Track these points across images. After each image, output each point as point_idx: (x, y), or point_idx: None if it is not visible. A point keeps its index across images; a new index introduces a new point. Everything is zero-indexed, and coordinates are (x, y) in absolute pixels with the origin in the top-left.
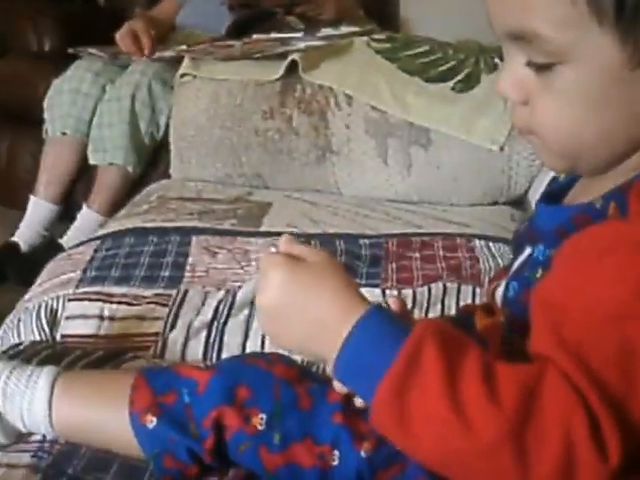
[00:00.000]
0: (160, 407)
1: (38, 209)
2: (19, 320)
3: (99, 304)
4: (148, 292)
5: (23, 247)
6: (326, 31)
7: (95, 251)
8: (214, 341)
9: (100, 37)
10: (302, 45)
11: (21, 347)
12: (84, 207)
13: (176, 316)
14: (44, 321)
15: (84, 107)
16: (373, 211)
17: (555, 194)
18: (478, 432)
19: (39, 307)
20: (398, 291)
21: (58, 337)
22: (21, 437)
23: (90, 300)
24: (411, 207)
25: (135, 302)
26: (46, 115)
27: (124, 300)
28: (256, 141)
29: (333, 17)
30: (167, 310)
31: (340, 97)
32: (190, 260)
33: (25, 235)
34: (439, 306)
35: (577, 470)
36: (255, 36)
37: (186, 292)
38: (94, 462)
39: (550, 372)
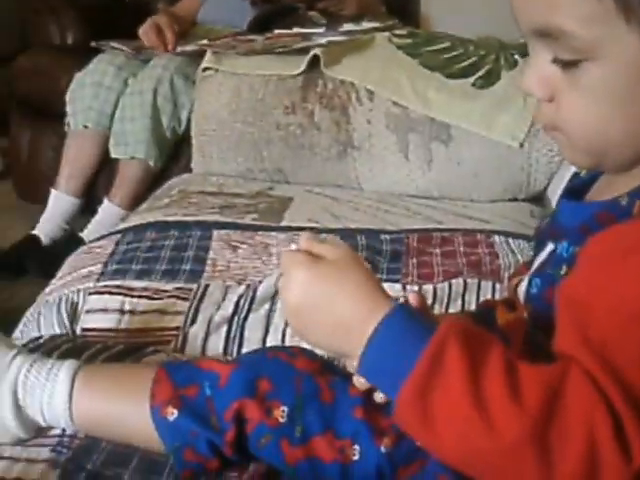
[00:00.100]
0: (181, 400)
1: (59, 202)
2: (39, 313)
3: (120, 298)
4: (169, 286)
5: (44, 240)
6: (348, 26)
7: (116, 245)
8: (235, 336)
9: (123, 32)
10: (324, 40)
11: (41, 341)
12: (105, 201)
13: (197, 310)
14: (64, 315)
15: (106, 100)
16: (394, 206)
17: (577, 190)
18: (501, 431)
19: (59, 300)
20: (419, 287)
21: (78, 331)
22: (40, 431)
23: (111, 294)
24: (432, 203)
25: (156, 296)
26: (68, 108)
27: (145, 294)
28: (277, 136)
29: (355, 13)
30: (188, 304)
31: (361, 92)
32: (211, 254)
33: (46, 228)
34: (459, 302)
35: (600, 470)
36: (277, 31)
37: (207, 286)
38: (113, 457)
39: (574, 371)
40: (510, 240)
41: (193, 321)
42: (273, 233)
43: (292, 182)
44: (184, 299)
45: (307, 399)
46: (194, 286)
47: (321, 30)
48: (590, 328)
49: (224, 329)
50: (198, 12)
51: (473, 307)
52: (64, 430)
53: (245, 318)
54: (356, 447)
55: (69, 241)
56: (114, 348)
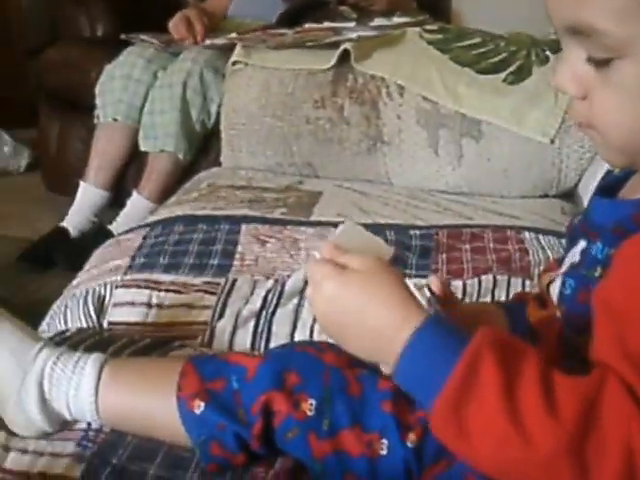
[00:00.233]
0: (208, 393)
1: (88, 195)
2: (66, 306)
3: (147, 291)
4: (197, 280)
5: (72, 233)
6: (379, 21)
7: (144, 238)
8: (262, 330)
9: (152, 24)
10: (354, 35)
11: (68, 334)
12: (134, 193)
13: (224, 305)
14: (91, 308)
15: (135, 93)
16: (424, 202)
17: (610, 187)
18: (537, 445)
19: (86, 294)
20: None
21: (105, 324)
22: (65, 425)
23: (138, 287)
24: (461, 198)
25: (183, 290)
26: (97, 101)
27: (172, 288)
28: (307, 130)
29: (385, 8)
30: (215, 298)
31: (392, 87)
32: (239, 248)
33: (74, 221)
34: (489, 298)
35: None
36: (307, 25)
37: (235, 281)
38: (139, 451)
39: (611, 383)
40: (540, 236)
41: (221, 315)
42: (302, 228)
43: (321, 176)
44: (212, 293)
45: (335, 392)
46: (222, 280)
47: (352, 25)
48: (629, 338)
49: (252, 324)
50: (228, 8)
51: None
52: (89, 424)
53: (273, 313)
54: (384, 441)
55: (97, 234)
56: (141, 342)
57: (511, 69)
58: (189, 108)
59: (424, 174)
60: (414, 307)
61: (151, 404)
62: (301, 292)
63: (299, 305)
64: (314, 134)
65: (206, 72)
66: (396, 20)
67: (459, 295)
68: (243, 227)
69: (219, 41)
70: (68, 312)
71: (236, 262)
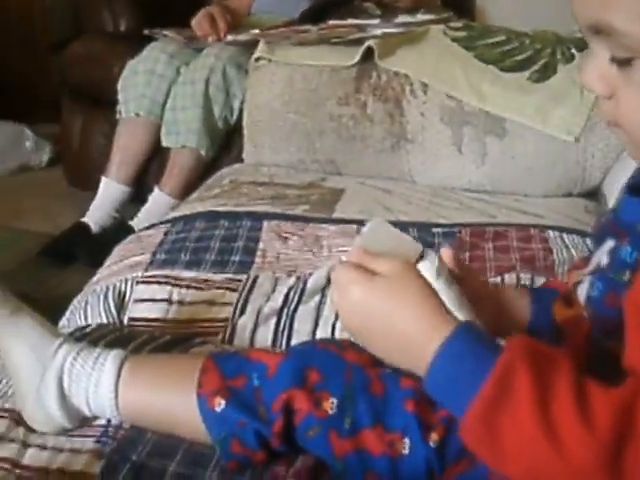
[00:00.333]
0: (229, 390)
1: (109, 190)
2: (86, 302)
3: (168, 288)
4: (218, 277)
5: (93, 228)
6: (403, 18)
7: (165, 234)
8: (284, 328)
9: (176, 20)
10: (379, 32)
11: (88, 329)
12: (156, 189)
13: (246, 302)
14: (112, 304)
15: (158, 88)
16: (447, 200)
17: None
18: (572, 458)
19: (107, 289)
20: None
21: (125, 320)
22: (85, 421)
23: (159, 283)
24: (485, 197)
25: (204, 287)
26: (120, 96)
27: (193, 284)
28: (330, 127)
29: (410, 5)
30: (237, 295)
31: (416, 85)
32: (261, 245)
33: (96, 216)
34: None
35: None
36: (331, 22)
37: (256, 278)
38: (159, 448)
39: None
40: (564, 235)
41: (242, 312)
42: (324, 225)
43: (344, 174)
44: (233, 290)
45: (357, 391)
46: (243, 277)
47: (376, 21)
48: None
49: (273, 321)
50: (251, 5)
51: None
52: (109, 420)
53: (295, 310)
54: (406, 441)
55: (118, 229)
56: (161, 339)
57: (536, 67)
58: (211, 104)
59: (447, 172)
60: (443, 314)
61: (171, 401)
62: (323, 290)
63: (321, 303)
64: (337, 131)
65: (229, 68)
66: (420, 17)
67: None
68: (265, 224)
69: (242, 37)
70: (88, 308)
71: (258, 259)
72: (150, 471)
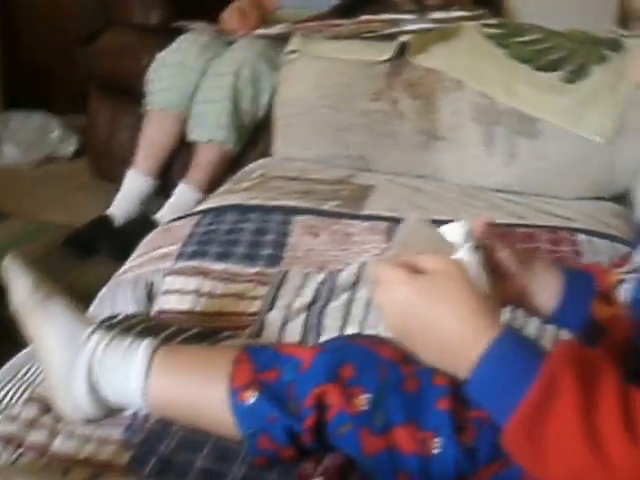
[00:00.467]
0: (261, 384)
1: (135, 182)
2: (114, 293)
3: (197, 280)
4: (247, 270)
5: (117, 221)
6: (436, 15)
7: (195, 226)
8: (313, 324)
9: (205, 14)
10: (412, 27)
11: (116, 320)
12: (181, 183)
13: (275, 296)
14: (140, 294)
15: (187, 81)
16: (476, 199)
17: None
18: (615, 469)
19: (136, 280)
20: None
21: (154, 312)
22: (113, 411)
23: (188, 275)
24: (514, 197)
25: (234, 279)
26: (148, 88)
27: (223, 277)
28: (361, 122)
29: (442, 2)
30: (266, 290)
31: (448, 82)
32: (290, 240)
33: (120, 208)
34: None
35: None
36: (364, 17)
37: (286, 272)
38: (185, 442)
39: None
40: (594, 239)
41: (271, 307)
42: (354, 221)
43: (373, 170)
44: (262, 284)
45: (391, 388)
46: (273, 271)
47: (410, 17)
48: None
49: (302, 317)
50: (279, 3)
51: None
52: (137, 412)
53: (324, 306)
54: (437, 440)
55: (142, 223)
56: (190, 331)
57: (570, 67)
58: (240, 98)
59: (477, 171)
60: (488, 317)
61: (200, 393)
62: (353, 286)
63: (351, 300)
64: (368, 127)
65: (258, 62)
66: (454, 14)
67: None
68: (295, 218)
69: (273, 31)
70: (116, 298)
71: (287, 253)
72: (176, 465)
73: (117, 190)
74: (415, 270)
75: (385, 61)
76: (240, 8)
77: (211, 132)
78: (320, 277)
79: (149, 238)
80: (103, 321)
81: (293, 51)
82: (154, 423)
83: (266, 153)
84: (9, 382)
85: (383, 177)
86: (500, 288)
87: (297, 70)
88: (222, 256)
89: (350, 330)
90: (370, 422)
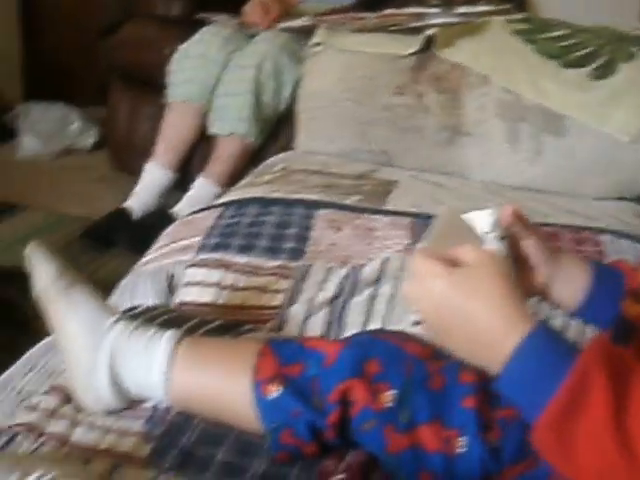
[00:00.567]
0: (285, 378)
1: (154, 175)
2: (134, 284)
3: (219, 272)
4: (270, 263)
5: (135, 213)
6: (462, 9)
7: (217, 218)
8: (335, 319)
9: (227, 7)
10: (438, 21)
11: (137, 311)
12: (200, 176)
13: (298, 290)
14: (161, 286)
15: (209, 73)
16: (499, 197)
17: None
18: None
19: (157, 272)
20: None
21: (175, 303)
22: (134, 403)
23: (210, 267)
24: (538, 195)
25: (256, 273)
26: (169, 80)
27: (245, 270)
28: (384, 117)
29: None
30: (288, 283)
31: (474, 77)
32: (313, 234)
33: (138, 201)
34: None
35: None
36: (389, 10)
37: (309, 266)
38: (206, 436)
39: None
40: (617, 239)
41: (293, 301)
42: (377, 216)
43: (396, 165)
44: (285, 277)
45: (416, 385)
46: (295, 265)
47: (435, 11)
48: None
49: (325, 311)
50: None
51: None
52: (158, 404)
53: (347, 301)
54: (463, 439)
55: (160, 216)
56: (212, 323)
57: (597, 64)
58: (262, 91)
59: (501, 168)
60: (522, 313)
61: (223, 386)
62: (376, 282)
63: (374, 295)
64: (391, 121)
65: (281, 55)
66: (480, 8)
67: None
68: (317, 212)
69: (296, 23)
70: (136, 290)
71: (309, 247)
72: (197, 458)
73: (136, 182)
74: (451, 263)
75: (410, 55)
76: (262, 1)
77: (232, 125)
78: (343, 272)
79: (170, 230)
80: (125, 312)
81: (317, 44)
82: (175, 416)
83: (287, 147)
84: (30, 371)
85: (406, 172)
86: (525, 277)
87: (321, 63)
88: (244, 249)
89: (373, 326)
90: (395, 419)
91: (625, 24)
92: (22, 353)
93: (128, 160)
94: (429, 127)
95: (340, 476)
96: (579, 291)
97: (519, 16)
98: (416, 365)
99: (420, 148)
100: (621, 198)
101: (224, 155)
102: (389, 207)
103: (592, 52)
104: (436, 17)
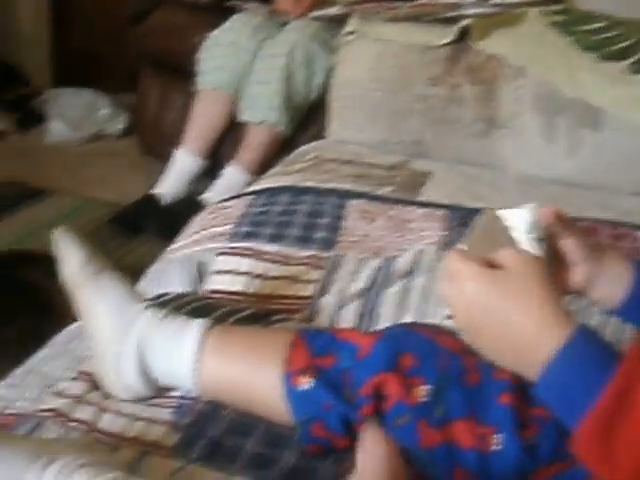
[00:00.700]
0: (317, 369)
1: (183, 162)
2: (164, 271)
3: (250, 261)
4: (301, 253)
5: (164, 199)
6: None
7: (248, 206)
8: (367, 311)
9: None
10: (473, 12)
11: (166, 298)
12: (230, 164)
13: (329, 281)
14: (190, 273)
15: (239, 61)
16: (535, 190)
17: None
18: None
19: (186, 259)
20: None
21: (205, 291)
22: (162, 391)
23: (241, 256)
24: (574, 190)
25: (288, 262)
26: (199, 67)
27: (277, 259)
28: (418, 108)
29: None
30: (320, 273)
31: (510, 69)
32: (345, 224)
33: (167, 188)
34: None
35: None
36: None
37: (341, 257)
38: (235, 426)
39: None
40: None
41: (325, 292)
42: (410, 207)
43: (429, 156)
44: (316, 267)
45: (452, 380)
46: (327, 255)
47: (470, 1)
48: None
49: (356, 303)
50: None
51: None
52: (186, 393)
53: (380, 293)
54: (498, 436)
55: (189, 203)
56: (243, 312)
57: (635, 57)
58: (293, 80)
59: (537, 162)
60: (561, 317)
61: (253, 376)
62: (409, 274)
63: (407, 287)
64: (425, 112)
65: (312, 44)
66: None
67: None
68: (349, 202)
69: (329, 12)
70: (165, 276)
71: (342, 237)
72: (226, 449)
73: (165, 169)
74: (488, 264)
75: (444, 45)
76: None
77: (263, 113)
78: (375, 263)
79: (201, 217)
80: (154, 299)
81: (350, 32)
82: (204, 405)
83: (318, 136)
84: (56, 357)
85: (439, 164)
86: (562, 276)
87: (354, 52)
88: (275, 238)
89: (406, 318)
90: (429, 414)
91: None
92: (47, 338)
93: (157, 146)
94: (464, 119)
95: None
96: (620, 290)
97: (556, 7)
98: (452, 360)
99: (454, 140)
100: None
101: (254, 143)
102: (422, 198)
103: (631, 45)
104: (471, 7)
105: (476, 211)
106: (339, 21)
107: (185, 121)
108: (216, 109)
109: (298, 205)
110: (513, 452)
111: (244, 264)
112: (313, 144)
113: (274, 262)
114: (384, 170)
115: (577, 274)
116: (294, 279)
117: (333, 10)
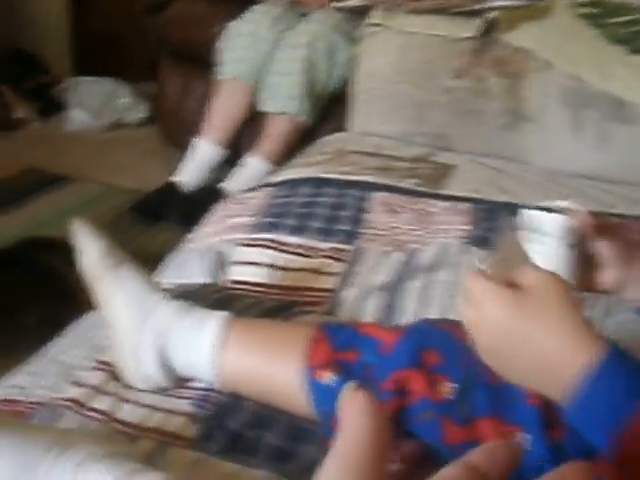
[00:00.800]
0: (339, 364)
1: (203, 151)
2: (184, 260)
3: (272, 252)
4: (323, 245)
5: (184, 188)
6: None
7: (270, 197)
8: (390, 304)
9: None
10: (499, 4)
11: (186, 289)
12: (250, 154)
13: (352, 274)
14: (211, 263)
15: (259, 52)
16: (562, 185)
17: None
18: None
19: (207, 249)
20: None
21: (225, 281)
22: (181, 382)
23: (263, 247)
24: (602, 185)
25: (310, 254)
26: (220, 57)
27: (299, 251)
28: (443, 100)
29: None
30: (342, 266)
31: (538, 62)
32: (368, 216)
33: (187, 176)
34: None
35: None
36: None
37: (363, 250)
38: (256, 418)
39: None
40: None
41: (347, 284)
42: (434, 200)
43: (453, 149)
44: (338, 260)
45: (478, 378)
46: (349, 247)
47: None
48: None
49: (379, 296)
50: None
51: None
52: (206, 384)
53: (402, 287)
54: (523, 435)
55: (210, 192)
56: (265, 304)
57: None
58: (314, 71)
59: (565, 155)
60: (588, 337)
61: (274, 369)
62: (432, 268)
63: (430, 282)
64: (449, 105)
65: (334, 35)
66: None
67: None
68: (373, 195)
69: (350, 3)
70: (186, 266)
71: (364, 230)
72: (246, 441)
73: (185, 157)
74: (509, 285)
75: (468, 38)
76: None
77: (284, 103)
78: (398, 256)
79: (221, 207)
80: (174, 289)
81: (374, 24)
82: (224, 397)
83: (339, 127)
84: (76, 346)
85: (464, 157)
86: (593, 276)
87: (377, 44)
88: (297, 230)
89: (428, 313)
90: (454, 412)
91: None
92: (65, 326)
93: (177, 135)
94: (489, 111)
95: (396, 465)
96: None
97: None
98: (477, 358)
99: (480, 132)
100: None
101: (275, 133)
102: (446, 192)
103: None
104: (498, 0)
105: (501, 205)
106: (360, 12)
107: (205, 110)
108: (236, 99)
109: (320, 197)
110: (537, 452)
111: (266, 255)
112: (335, 136)
113: (296, 254)
114: (407, 162)
115: (608, 275)
116: (316, 271)
117: (354, 1)
